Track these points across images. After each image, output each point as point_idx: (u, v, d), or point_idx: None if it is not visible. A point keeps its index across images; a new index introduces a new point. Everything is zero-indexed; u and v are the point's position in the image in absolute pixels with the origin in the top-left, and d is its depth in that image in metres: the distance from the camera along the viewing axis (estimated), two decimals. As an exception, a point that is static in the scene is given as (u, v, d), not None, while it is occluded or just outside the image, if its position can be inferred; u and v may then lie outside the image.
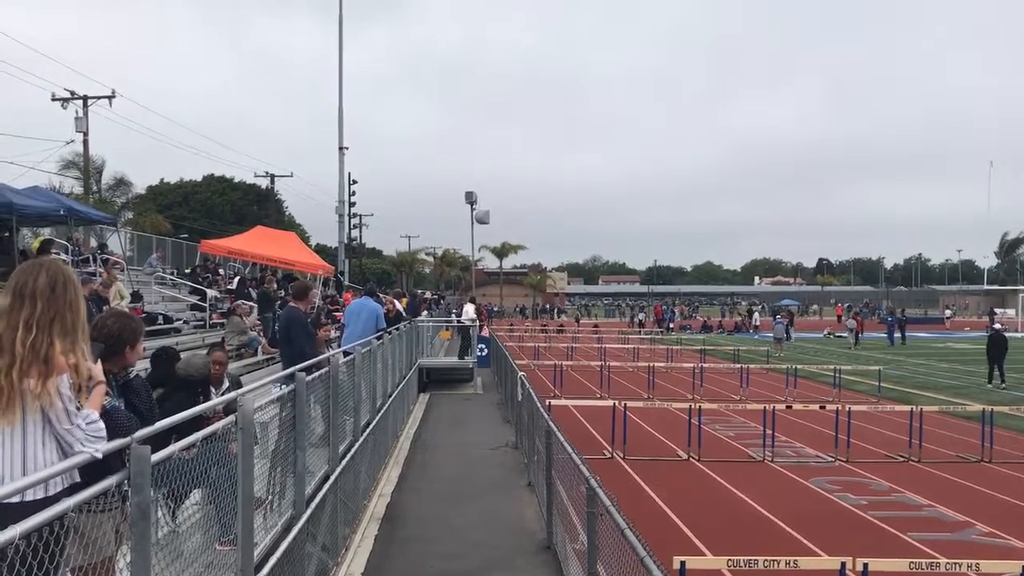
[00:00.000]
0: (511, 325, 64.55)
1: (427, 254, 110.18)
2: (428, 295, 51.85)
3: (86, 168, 40.21)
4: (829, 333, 57.25)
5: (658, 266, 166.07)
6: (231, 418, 5.01)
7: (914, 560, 7.25)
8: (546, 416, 10.13)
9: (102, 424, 3.58)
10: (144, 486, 3.45)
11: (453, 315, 35.36)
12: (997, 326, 31.61)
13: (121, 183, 45.30)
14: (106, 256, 19.90)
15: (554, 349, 39.10)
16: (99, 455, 3.46)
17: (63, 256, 17.15)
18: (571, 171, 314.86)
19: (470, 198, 46.15)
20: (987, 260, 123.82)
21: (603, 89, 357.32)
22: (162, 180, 77.42)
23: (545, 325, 67.51)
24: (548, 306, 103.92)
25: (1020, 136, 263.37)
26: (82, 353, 3.56)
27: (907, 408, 16.91)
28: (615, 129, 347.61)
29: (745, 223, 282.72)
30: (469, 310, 29.30)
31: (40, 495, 3.28)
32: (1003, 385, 26.83)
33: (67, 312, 3.51)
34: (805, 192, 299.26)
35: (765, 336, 49.40)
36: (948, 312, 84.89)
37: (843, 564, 6.46)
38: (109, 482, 3.40)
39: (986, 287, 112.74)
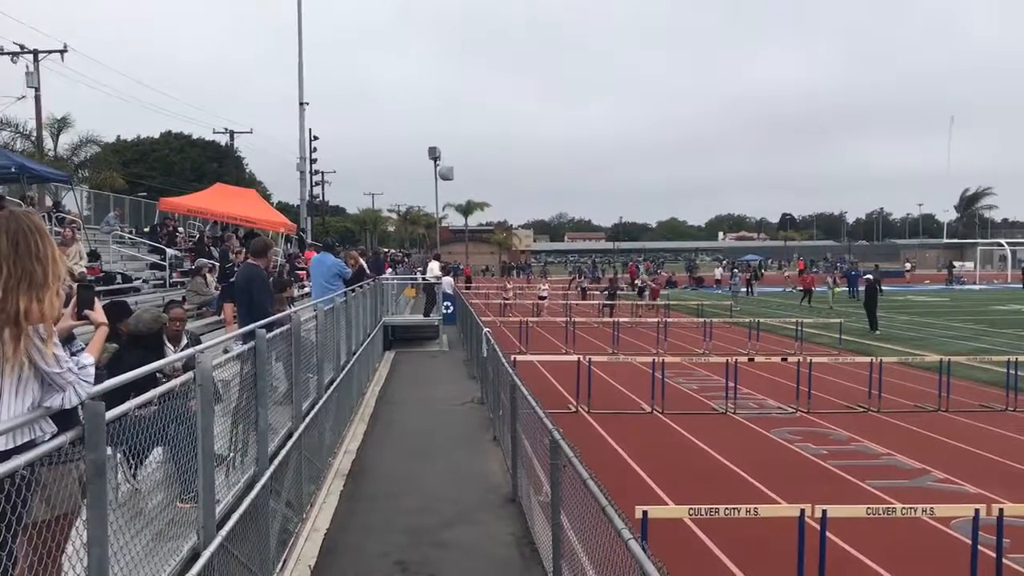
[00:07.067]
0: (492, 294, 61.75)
1: (391, 211, 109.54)
2: (392, 252, 51.35)
3: (39, 125, 39.17)
4: (794, 287, 57.60)
5: (624, 223, 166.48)
6: (189, 375, 4.94)
7: (871, 506, 7.39)
8: (511, 371, 10.16)
9: (93, 371, 3.54)
10: (99, 443, 3.38)
11: (417, 272, 35.15)
12: (869, 276, 32.26)
13: (89, 141, 43.92)
14: (62, 215, 19.50)
15: (519, 306, 39.07)
16: (76, 401, 3.43)
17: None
18: (537, 127, 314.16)
19: (433, 153, 45.48)
20: (947, 214, 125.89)
21: (572, 45, 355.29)
22: (119, 137, 75.79)
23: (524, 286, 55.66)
24: (513, 264, 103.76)
25: (980, 91, 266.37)
26: (56, 297, 3.47)
27: (867, 359, 17.21)
28: (581, 86, 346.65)
29: (710, 179, 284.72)
30: (434, 267, 29.16)
31: (6, 445, 3.23)
32: (877, 332, 28.15)
33: (35, 266, 3.40)
34: (769, 148, 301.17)
35: (727, 291, 49.95)
36: (908, 265, 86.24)
37: (802, 511, 6.55)
38: (63, 439, 3.34)
39: (946, 241, 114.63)
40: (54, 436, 3.35)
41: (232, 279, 14.54)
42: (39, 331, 3.34)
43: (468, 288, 52.49)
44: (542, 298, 37.83)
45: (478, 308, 31.39)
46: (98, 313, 3.84)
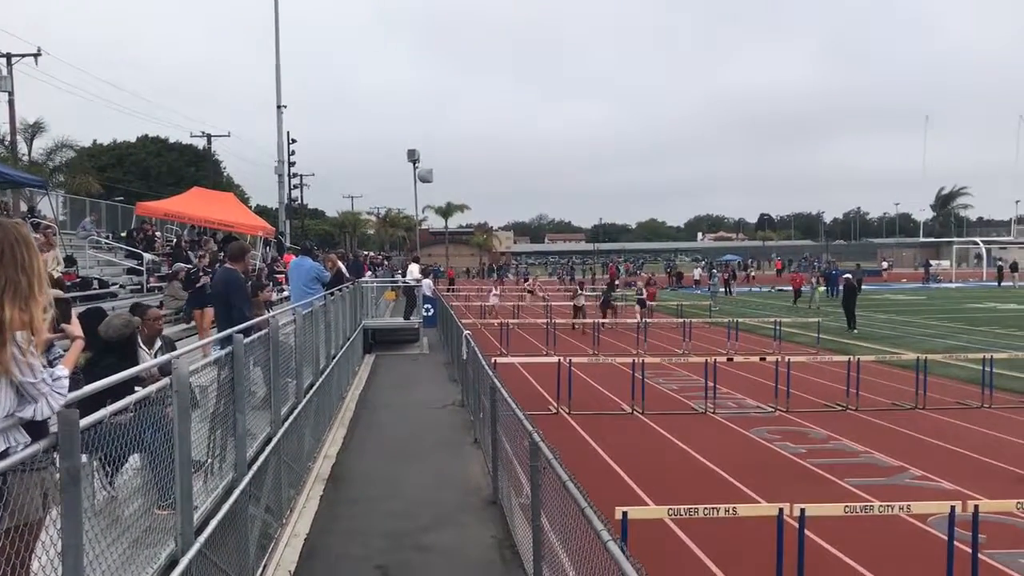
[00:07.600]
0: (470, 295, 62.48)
1: (370, 214, 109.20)
2: (371, 254, 51.09)
3: (12, 130, 38.80)
4: (772, 287, 58.04)
5: (604, 224, 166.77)
6: (165, 381, 4.91)
7: (849, 504, 7.45)
8: (491, 373, 10.14)
9: (67, 383, 3.55)
10: (74, 450, 3.37)
11: (397, 275, 35.02)
12: (848, 276, 32.15)
13: (64, 146, 43.51)
14: (37, 220, 19.31)
15: (501, 308, 39.02)
16: (48, 413, 3.43)
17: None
18: (516, 129, 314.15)
19: (412, 156, 45.44)
20: (923, 213, 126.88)
21: (549, 47, 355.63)
22: (95, 141, 75.18)
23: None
24: (494, 265, 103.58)
25: (955, 92, 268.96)
26: (40, 309, 3.48)
27: (845, 358, 17.30)
28: (560, 88, 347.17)
29: (689, 180, 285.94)
30: (414, 270, 29.09)
31: None
32: (855, 331, 28.22)
33: (20, 275, 3.41)
34: (748, 149, 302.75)
35: (706, 291, 50.17)
36: (885, 264, 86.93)
37: (781, 510, 6.60)
38: (36, 448, 3.32)
39: (922, 239, 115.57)
40: (27, 446, 3.33)
41: (199, 284, 14.49)
42: (17, 339, 3.33)
43: (450, 290, 52.32)
44: (530, 291, 37.75)
45: (459, 311, 31.33)
46: (75, 327, 3.84)
